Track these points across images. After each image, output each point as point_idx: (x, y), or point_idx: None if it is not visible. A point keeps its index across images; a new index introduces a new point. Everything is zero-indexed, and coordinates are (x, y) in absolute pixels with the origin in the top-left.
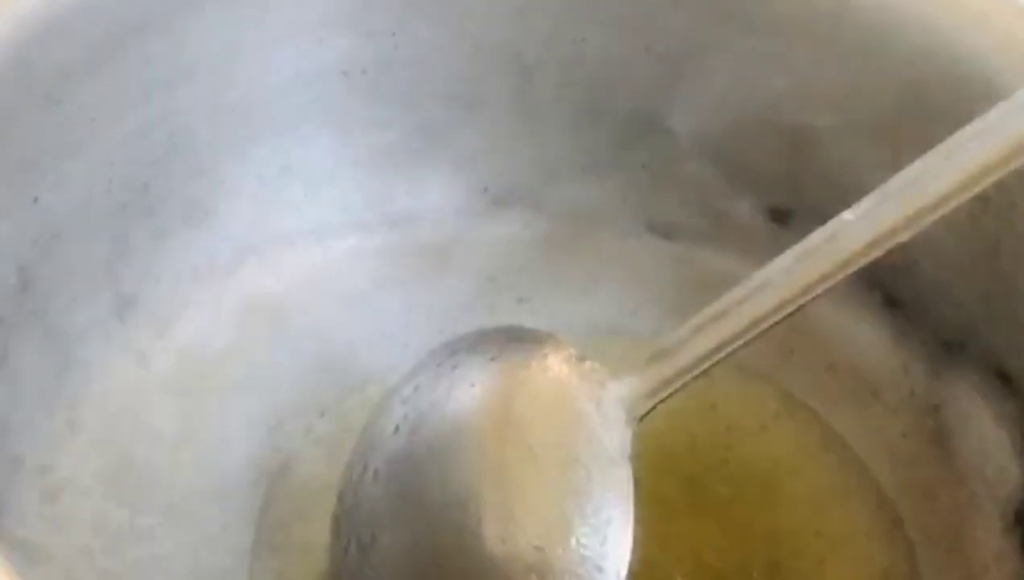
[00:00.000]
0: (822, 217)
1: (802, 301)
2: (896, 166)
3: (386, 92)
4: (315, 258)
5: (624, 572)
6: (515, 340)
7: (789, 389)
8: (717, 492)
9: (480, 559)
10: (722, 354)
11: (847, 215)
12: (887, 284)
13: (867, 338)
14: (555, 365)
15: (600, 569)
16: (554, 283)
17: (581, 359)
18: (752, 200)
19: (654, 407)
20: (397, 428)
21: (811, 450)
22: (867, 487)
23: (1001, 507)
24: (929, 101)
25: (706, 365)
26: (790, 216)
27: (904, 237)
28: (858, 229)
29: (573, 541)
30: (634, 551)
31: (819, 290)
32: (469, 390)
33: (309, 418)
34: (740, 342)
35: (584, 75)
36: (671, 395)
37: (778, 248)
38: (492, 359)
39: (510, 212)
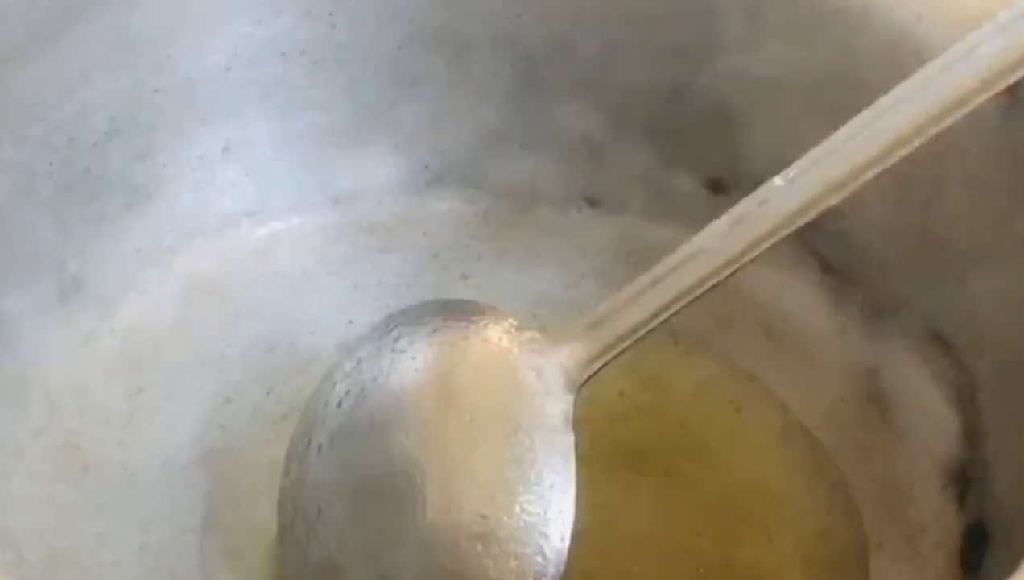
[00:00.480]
0: (754, 185)
1: (736, 266)
2: (827, 135)
3: (325, 72)
4: (258, 238)
5: (567, 537)
6: (455, 312)
7: (728, 355)
8: (659, 459)
9: (425, 529)
10: (659, 320)
11: (777, 180)
12: (822, 250)
13: (804, 303)
14: (495, 335)
15: (544, 535)
16: (497, 258)
17: (520, 329)
18: (690, 172)
19: (594, 374)
20: (340, 402)
21: (751, 415)
22: (808, 450)
23: (939, 465)
24: (862, 73)
25: (643, 331)
26: (728, 187)
27: (833, 200)
28: (788, 193)
29: (517, 508)
30: (577, 517)
31: (752, 255)
32: (410, 363)
33: (255, 396)
34: (676, 307)
35: (521, 51)
36: (611, 361)
37: (716, 217)
38: (433, 332)
39: (451, 189)
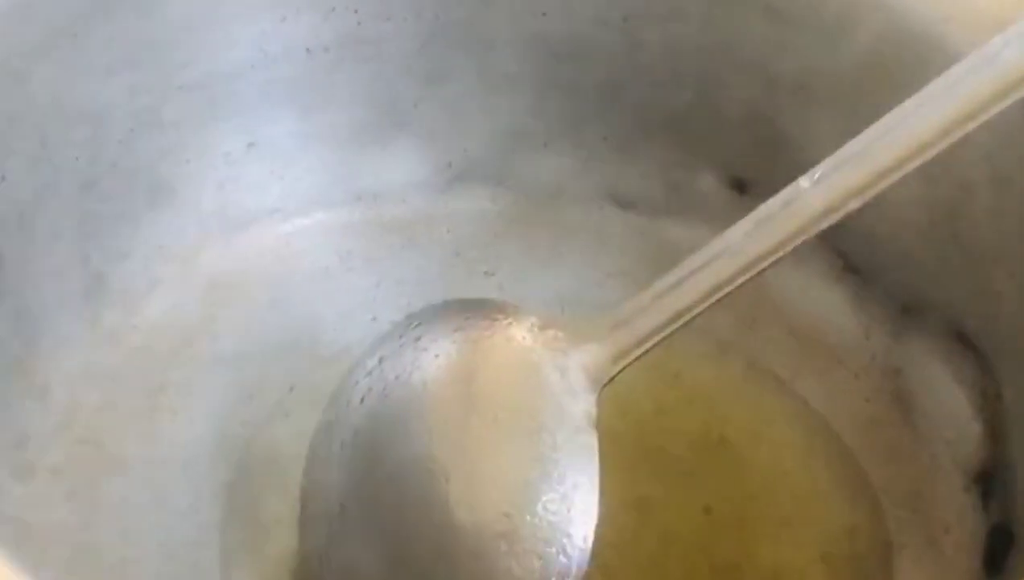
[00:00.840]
0: (782, 187)
1: (759, 267)
2: (854, 136)
3: (349, 70)
4: (281, 235)
5: (591, 537)
6: (478, 310)
7: (753, 356)
8: (684, 459)
9: (449, 528)
10: (682, 321)
11: (803, 181)
12: (847, 251)
13: (828, 304)
14: (518, 334)
15: (567, 535)
16: (519, 256)
17: (544, 328)
18: (714, 171)
19: (617, 374)
20: (363, 400)
21: (776, 415)
22: (832, 450)
23: (962, 466)
24: (887, 74)
25: (667, 332)
26: (750, 186)
27: (858, 202)
28: (813, 195)
29: (540, 507)
30: (601, 517)
31: (776, 256)
32: (433, 361)
33: (278, 393)
34: (699, 309)
35: (545, 49)
36: (633, 361)
37: (739, 217)
38: (456, 330)
39: (474, 187)
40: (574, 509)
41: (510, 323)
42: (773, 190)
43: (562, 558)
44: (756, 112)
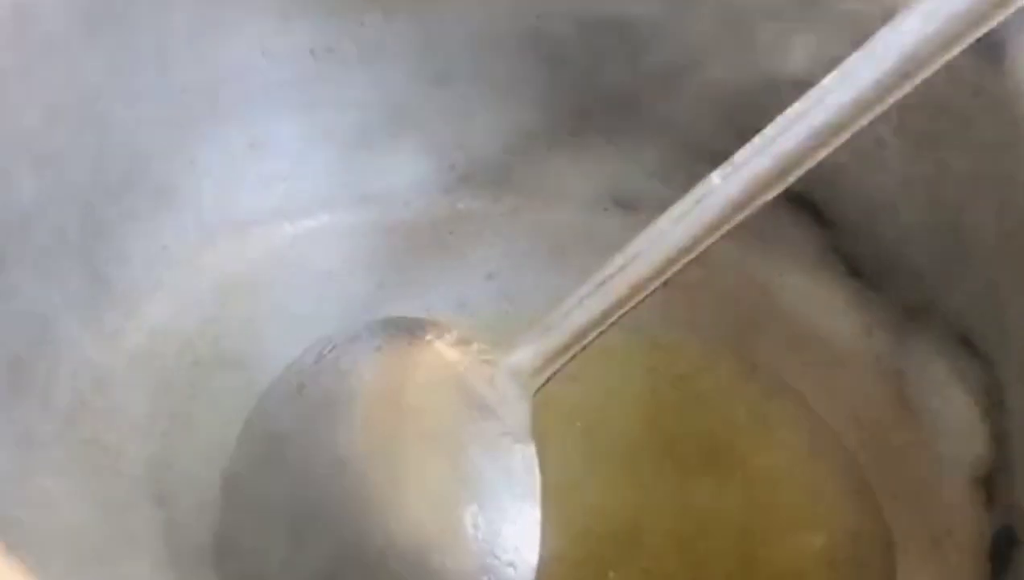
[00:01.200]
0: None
1: (677, 264)
2: (856, 136)
3: (353, 71)
4: (285, 237)
5: (535, 548)
6: (396, 328)
7: (755, 359)
8: (687, 461)
9: (377, 551)
10: (607, 322)
11: (715, 177)
12: (849, 253)
13: (831, 306)
14: (442, 349)
15: (504, 550)
16: (522, 258)
17: (467, 341)
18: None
19: (548, 380)
20: (284, 431)
21: (779, 418)
22: (834, 452)
23: (966, 468)
24: None
25: (594, 334)
26: None
27: (768, 194)
28: (724, 189)
29: (471, 526)
30: (604, 516)
31: (691, 255)
32: (354, 383)
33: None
34: (623, 310)
35: (548, 51)
36: (564, 366)
37: (743, 221)
38: (376, 349)
39: (477, 189)
40: (515, 523)
41: (431, 340)
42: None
43: (510, 570)
44: (758, 113)
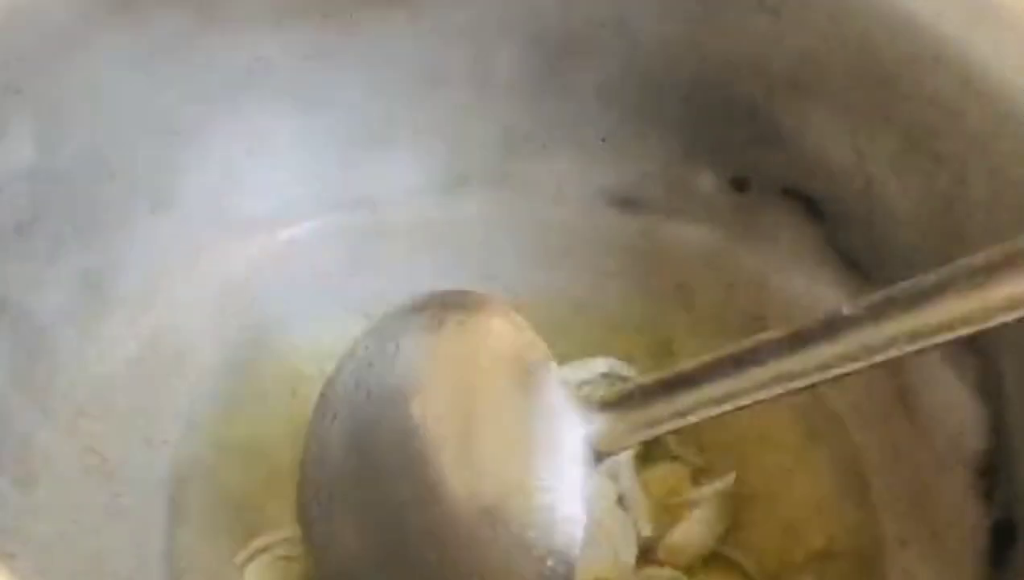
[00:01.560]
0: (780, 185)
1: (787, 389)
2: (850, 131)
3: (348, 73)
4: (282, 241)
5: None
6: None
7: None
8: (690, 460)
9: (439, 509)
10: (692, 419)
11: (845, 310)
12: (847, 247)
13: (830, 301)
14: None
15: (554, 536)
16: (520, 258)
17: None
18: (714, 170)
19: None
20: (357, 384)
21: (778, 412)
22: (834, 446)
23: (965, 461)
24: (880, 67)
25: (677, 424)
26: (752, 186)
27: (909, 347)
28: (856, 327)
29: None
30: None
31: (802, 383)
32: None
33: (281, 398)
34: (711, 413)
35: (543, 50)
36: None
37: (739, 217)
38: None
39: (475, 190)
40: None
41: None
42: (772, 188)
43: (549, 562)
44: (754, 110)
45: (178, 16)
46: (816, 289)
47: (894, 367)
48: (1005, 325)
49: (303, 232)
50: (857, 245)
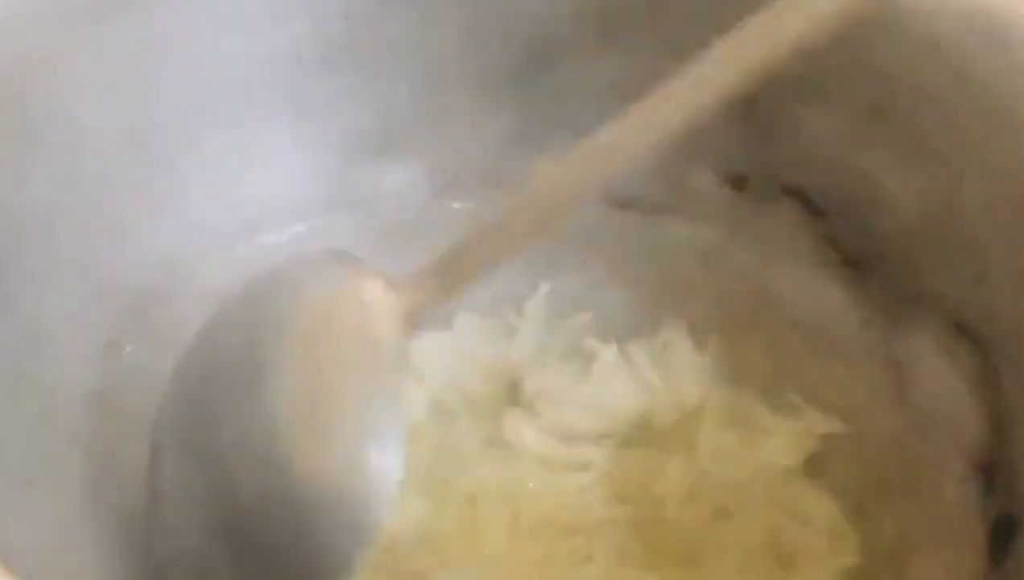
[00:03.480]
0: (777, 181)
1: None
2: (848, 129)
3: (342, 76)
4: (278, 244)
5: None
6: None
7: (754, 349)
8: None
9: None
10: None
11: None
12: (844, 245)
13: (826, 297)
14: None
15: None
16: (517, 259)
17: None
18: (711, 169)
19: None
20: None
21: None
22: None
23: (964, 456)
24: (878, 66)
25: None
26: (751, 184)
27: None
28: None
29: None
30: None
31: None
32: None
33: None
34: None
35: (536, 50)
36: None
37: (737, 213)
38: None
39: (470, 191)
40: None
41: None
42: (771, 186)
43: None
44: (751, 108)
45: (173, 18)
46: (815, 286)
47: (892, 364)
48: (1004, 321)
49: (298, 235)
50: (855, 243)
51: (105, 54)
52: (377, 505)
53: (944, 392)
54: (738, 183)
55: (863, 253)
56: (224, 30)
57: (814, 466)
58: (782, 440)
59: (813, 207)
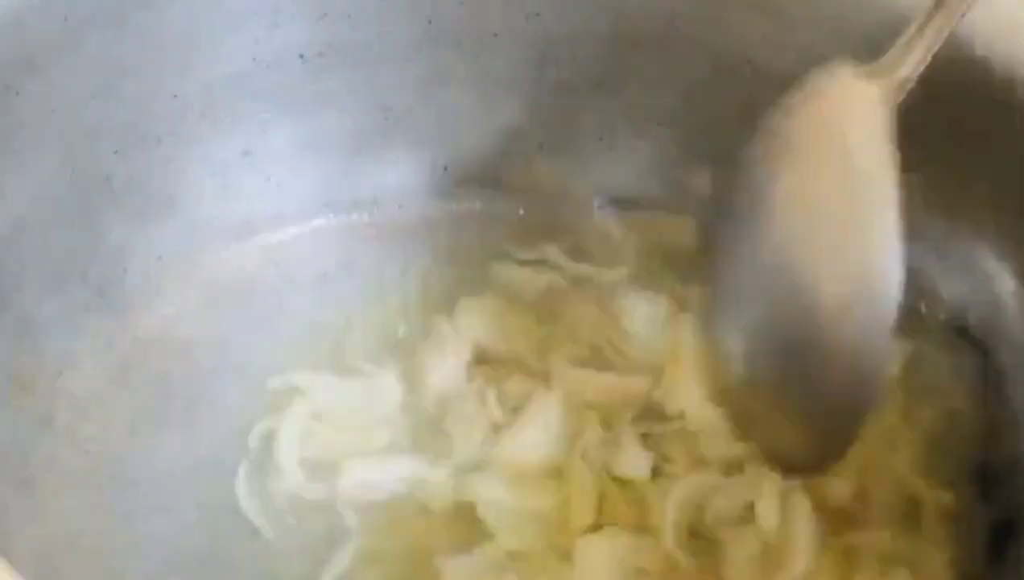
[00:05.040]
0: None
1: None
2: None
3: (344, 74)
4: (279, 242)
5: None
6: None
7: None
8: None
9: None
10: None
11: None
12: None
13: None
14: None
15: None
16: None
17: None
18: (709, 167)
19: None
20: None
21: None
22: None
23: (965, 459)
24: None
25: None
26: None
27: None
28: None
29: None
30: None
31: None
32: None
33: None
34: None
35: (539, 50)
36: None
37: None
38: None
39: (471, 190)
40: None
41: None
42: None
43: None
44: (751, 108)
45: (174, 18)
46: None
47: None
48: (1007, 325)
49: (299, 234)
50: None
51: (106, 53)
52: (889, 302)
53: (945, 395)
54: None
55: None
56: (227, 28)
57: None
58: None
59: None
